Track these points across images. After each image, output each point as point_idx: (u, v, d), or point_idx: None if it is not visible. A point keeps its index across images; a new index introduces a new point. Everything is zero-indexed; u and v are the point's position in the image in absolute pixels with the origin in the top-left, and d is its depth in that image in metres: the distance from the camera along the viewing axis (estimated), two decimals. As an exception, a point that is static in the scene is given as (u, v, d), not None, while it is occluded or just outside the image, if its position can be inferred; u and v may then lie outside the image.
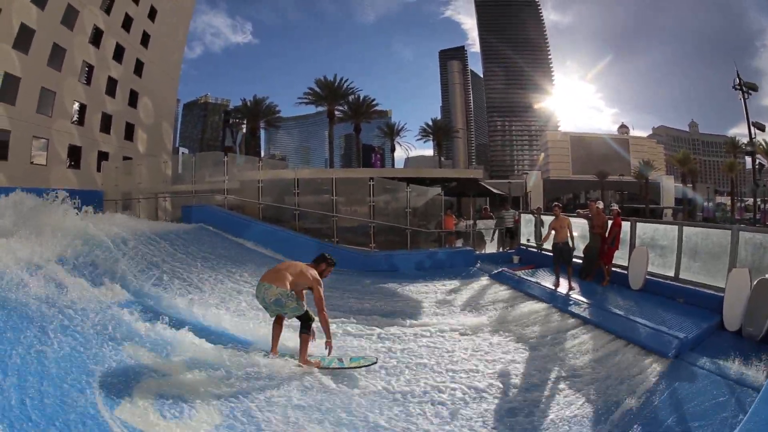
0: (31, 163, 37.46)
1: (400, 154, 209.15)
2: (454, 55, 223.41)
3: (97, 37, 44.19)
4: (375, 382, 8.27)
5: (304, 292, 8.96)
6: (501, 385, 8.40)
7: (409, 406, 7.42)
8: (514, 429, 7.00)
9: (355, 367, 8.71)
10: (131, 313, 8.78)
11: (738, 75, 56.75)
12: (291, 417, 6.45)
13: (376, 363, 8.95)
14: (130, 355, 7.24)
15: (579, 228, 16.27)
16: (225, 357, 7.78)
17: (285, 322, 9.01)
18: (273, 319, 8.85)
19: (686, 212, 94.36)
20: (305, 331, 8.51)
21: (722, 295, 10.98)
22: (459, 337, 11.08)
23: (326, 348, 8.59)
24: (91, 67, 43.85)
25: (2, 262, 8.34)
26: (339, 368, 8.61)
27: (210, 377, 7.04)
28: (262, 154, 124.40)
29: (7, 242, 9.65)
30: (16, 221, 12.32)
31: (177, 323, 8.85)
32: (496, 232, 24.91)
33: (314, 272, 8.91)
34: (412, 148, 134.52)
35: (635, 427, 6.92)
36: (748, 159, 73.46)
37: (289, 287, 8.32)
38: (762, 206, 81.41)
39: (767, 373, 7.74)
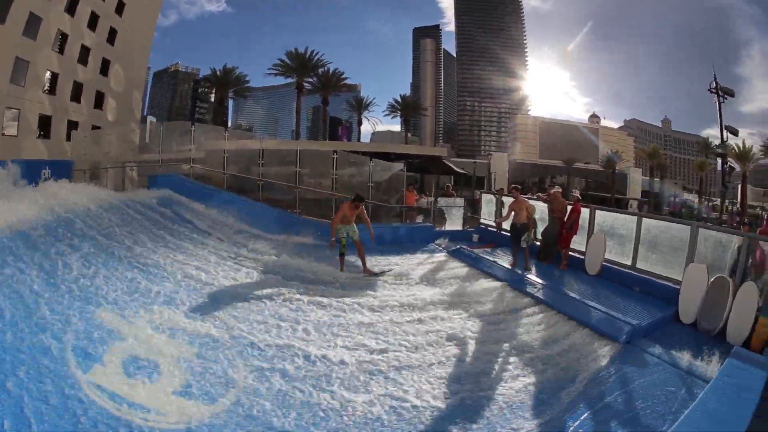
0: (2, 134, 36.92)
1: (367, 129, 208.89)
2: (428, 33, 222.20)
3: (72, 5, 43.38)
4: (334, 352, 8.35)
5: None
6: (452, 358, 8.52)
7: (358, 375, 7.60)
8: (464, 399, 7.14)
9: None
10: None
11: (715, 79, 57.44)
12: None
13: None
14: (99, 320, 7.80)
15: (539, 211, 16.44)
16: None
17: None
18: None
19: (653, 204, 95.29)
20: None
21: (678, 287, 11.11)
22: (413, 310, 11.06)
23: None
24: (65, 36, 43.11)
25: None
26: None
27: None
28: (230, 124, 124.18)
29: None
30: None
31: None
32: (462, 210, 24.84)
33: (360, 209, 14.58)
34: (379, 123, 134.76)
35: (583, 405, 7.06)
36: (719, 160, 74.68)
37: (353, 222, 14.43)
38: (730, 208, 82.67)
39: (719, 365, 7.75)
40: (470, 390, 7.42)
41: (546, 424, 6.61)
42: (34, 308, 7.56)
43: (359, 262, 14.49)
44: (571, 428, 6.46)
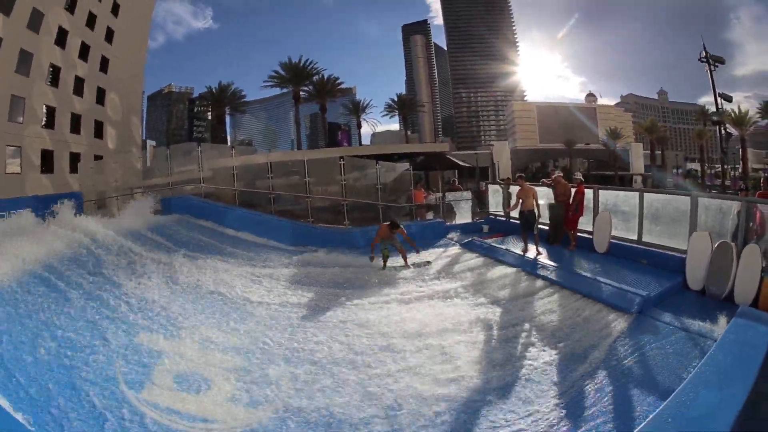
0: (6, 172, 37.02)
1: (366, 130, 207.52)
2: (417, 29, 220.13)
3: (62, 38, 43.61)
4: (363, 341, 9.03)
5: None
6: (476, 341, 9.01)
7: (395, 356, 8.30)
8: (491, 378, 7.57)
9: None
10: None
11: (704, 48, 57.48)
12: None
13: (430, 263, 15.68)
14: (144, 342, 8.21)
15: (545, 196, 16.75)
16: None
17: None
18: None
19: (653, 179, 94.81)
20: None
21: (684, 256, 11.41)
22: (434, 301, 11.54)
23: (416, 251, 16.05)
24: (57, 69, 43.31)
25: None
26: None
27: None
28: (228, 139, 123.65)
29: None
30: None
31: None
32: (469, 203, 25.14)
33: (400, 231, 15.60)
34: (378, 124, 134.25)
35: (602, 372, 7.46)
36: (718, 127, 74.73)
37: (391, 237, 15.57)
38: (732, 173, 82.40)
39: (727, 324, 8.02)
40: (495, 366, 7.93)
41: (565, 392, 7.05)
42: (81, 333, 8.05)
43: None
44: (589, 393, 6.91)
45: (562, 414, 6.52)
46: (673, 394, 5.28)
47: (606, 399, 6.67)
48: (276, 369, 7.77)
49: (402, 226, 15.89)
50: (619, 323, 9.28)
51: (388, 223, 15.90)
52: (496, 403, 6.89)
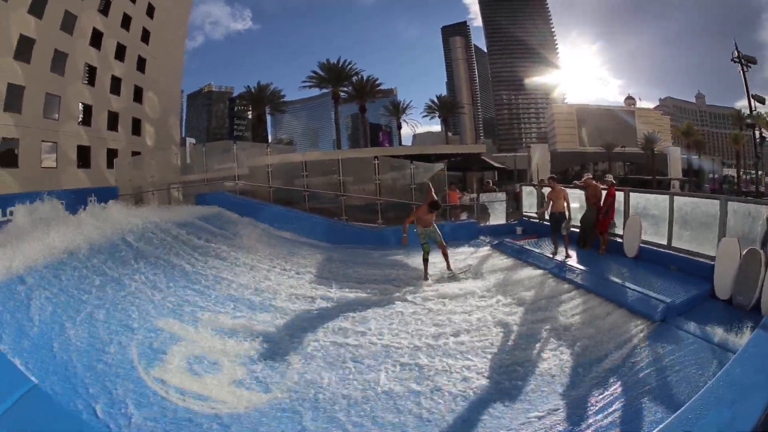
0: (42, 167, 38.23)
1: (407, 131, 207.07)
2: (456, 31, 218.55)
3: (97, 39, 44.88)
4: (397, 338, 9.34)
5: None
6: (497, 340, 9.24)
7: (419, 353, 8.56)
8: (508, 377, 7.79)
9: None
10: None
11: (736, 48, 57.22)
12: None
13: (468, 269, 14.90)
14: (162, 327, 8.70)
15: (577, 199, 16.81)
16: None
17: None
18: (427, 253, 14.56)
19: (693, 183, 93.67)
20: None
21: (713, 263, 11.17)
22: (461, 300, 11.79)
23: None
24: (93, 69, 44.57)
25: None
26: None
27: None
28: (270, 138, 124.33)
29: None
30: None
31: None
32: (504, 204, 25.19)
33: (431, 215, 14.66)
34: (418, 125, 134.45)
35: (617, 379, 7.50)
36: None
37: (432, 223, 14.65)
38: (766, 178, 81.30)
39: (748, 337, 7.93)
40: (509, 367, 8.16)
41: (573, 398, 7.19)
42: (109, 316, 8.61)
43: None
44: (597, 401, 6.98)
45: (564, 420, 6.65)
46: (679, 410, 5.09)
47: (613, 409, 6.69)
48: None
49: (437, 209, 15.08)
50: (640, 330, 9.25)
51: (429, 202, 14.86)
52: (506, 403, 7.08)
